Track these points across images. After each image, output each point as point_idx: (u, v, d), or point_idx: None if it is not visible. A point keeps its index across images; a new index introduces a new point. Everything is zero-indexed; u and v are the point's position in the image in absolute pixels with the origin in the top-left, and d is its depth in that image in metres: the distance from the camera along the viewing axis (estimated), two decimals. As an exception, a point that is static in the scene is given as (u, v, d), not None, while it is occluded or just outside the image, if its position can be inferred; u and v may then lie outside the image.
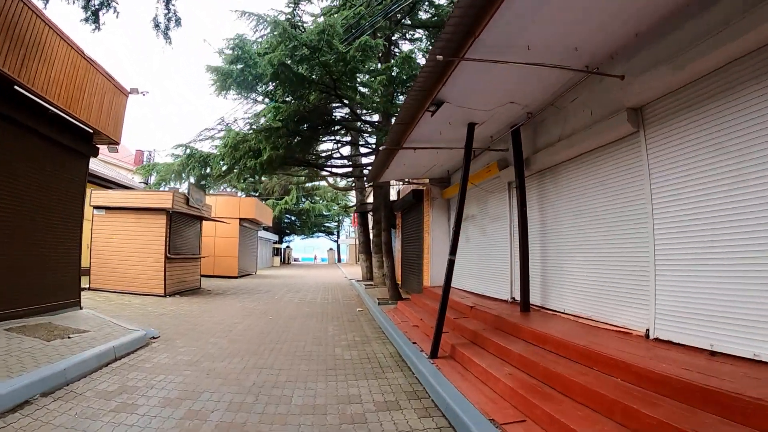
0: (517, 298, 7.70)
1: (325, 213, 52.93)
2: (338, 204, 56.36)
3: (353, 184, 22.75)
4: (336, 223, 68.71)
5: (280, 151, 12.92)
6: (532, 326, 5.75)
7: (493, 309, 7.41)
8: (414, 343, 7.30)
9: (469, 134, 6.79)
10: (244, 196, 30.86)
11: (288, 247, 61.58)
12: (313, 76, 11.19)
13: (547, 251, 7.04)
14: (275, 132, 12.23)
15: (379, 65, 13.67)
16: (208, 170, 17.03)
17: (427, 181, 12.15)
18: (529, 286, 7.04)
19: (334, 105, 14.98)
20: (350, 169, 20.54)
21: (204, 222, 22.75)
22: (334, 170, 19.00)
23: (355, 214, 56.81)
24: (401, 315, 10.20)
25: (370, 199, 21.77)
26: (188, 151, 15.79)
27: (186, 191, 15.87)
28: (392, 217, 13.19)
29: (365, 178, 11.79)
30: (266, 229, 43.32)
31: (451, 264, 6.49)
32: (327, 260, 66.06)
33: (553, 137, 6.69)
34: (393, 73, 12.11)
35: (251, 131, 13.89)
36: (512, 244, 8.33)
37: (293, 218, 56.63)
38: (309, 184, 50.61)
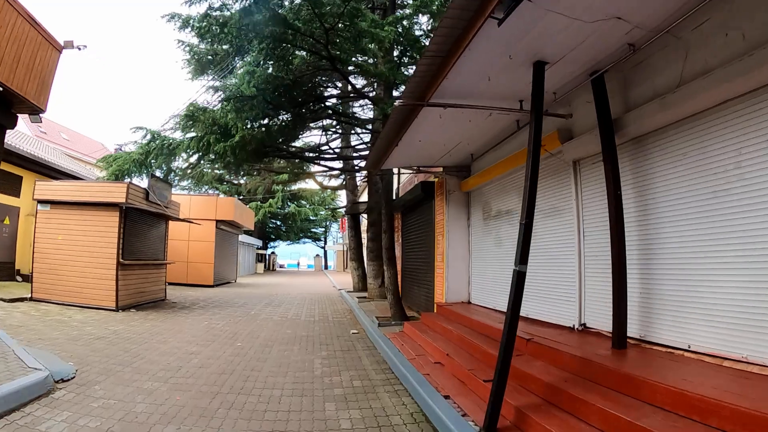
0: (590, 324, 5.39)
1: (311, 218, 50.38)
2: (326, 208, 54.05)
3: (344, 183, 20.29)
4: (323, 229, 66.55)
5: (256, 133, 10.42)
6: (662, 380, 3.34)
7: (562, 343, 4.99)
8: (446, 397, 4.84)
9: (537, 77, 4.38)
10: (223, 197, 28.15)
11: (273, 253, 58.99)
12: (298, 23, 8.65)
13: (652, 256, 4.61)
14: (249, 104, 9.70)
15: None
16: (176, 162, 14.54)
17: (440, 170, 9.74)
18: (627, 309, 4.61)
19: (323, 79, 12.51)
20: (340, 163, 18.10)
21: (174, 223, 20.34)
22: (323, 163, 16.40)
23: (344, 220, 54.78)
24: (412, 343, 7.76)
25: (364, 198, 19.34)
26: (149, 135, 13.24)
27: (147, 185, 13.32)
28: (392, 217, 10.76)
29: (363, 165, 9.26)
30: (248, 233, 40.78)
31: (521, 278, 4.11)
32: (314, 267, 63.63)
33: (663, 84, 4.31)
34: (400, 28, 9.66)
35: (219, 103, 11.36)
36: (581, 248, 5.94)
37: (278, 223, 54.19)
38: (295, 186, 48.26)
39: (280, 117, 12.61)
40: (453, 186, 9.65)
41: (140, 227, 13.45)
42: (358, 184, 20.35)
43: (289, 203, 46.00)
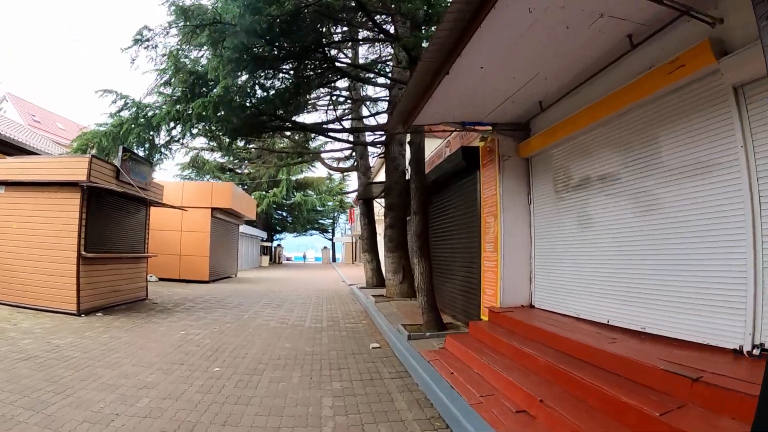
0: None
1: (319, 208, 47.97)
2: (333, 197, 51.77)
3: (354, 164, 17.82)
4: (331, 220, 64.37)
5: (241, 83, 7.97)
6: None
7: (756, 384, 2.50)
8: None
9: None
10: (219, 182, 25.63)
11: (279, 245, 56.75)
12: None
13: None
14: (230, 32, 7.17)
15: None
16: (160, 137, 12.12)
17: (480, 132, 7.27)
18: None
19: (329, 23, 10.00)
20: (350, 138, 15.62)
21: (164, 212, 18.00)
22: (332, 135, 13.84)
23: (352, 210, 52.35)
24: (464, 369, 5.31)
25: (381, 178, 16.88)
26: (121, 101, 10.83)
27: (118, 161, 10.92)
28: (425, 192, 8.20)
29: (385, 125, 6.80)
30: (252, 224, 38.51)
31: None
32: (321, 259, 61.46)
33: None
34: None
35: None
36: (756, 225, 3.52)
37: (284, 214, 51.90)
38: (301, 175, 45.93)
39: (280, 75, 10.17)
40: (508, 150, 7.17)
41: (111, 213, 11.06)
42: (371, 164, 17.85)
43: (294, 193, 43.65)
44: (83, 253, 9.71)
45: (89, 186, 9.75)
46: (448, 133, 9.60)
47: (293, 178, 43.26)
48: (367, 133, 16.11)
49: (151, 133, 11.47)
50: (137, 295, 12.25)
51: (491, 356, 5.30)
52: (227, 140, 12.62)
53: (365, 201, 16.83)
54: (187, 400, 4.65)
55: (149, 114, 11.07)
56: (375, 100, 16.25)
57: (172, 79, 9.07)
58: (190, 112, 9.52)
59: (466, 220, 8.58)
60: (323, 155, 18.43)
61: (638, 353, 4.01)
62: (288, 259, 68.57)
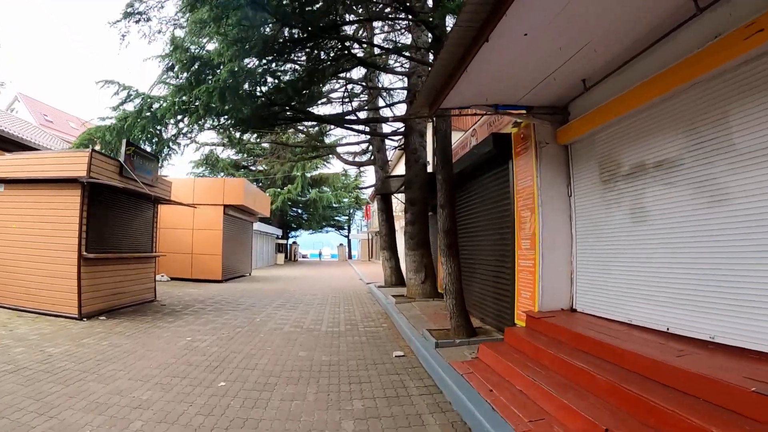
0: None
1: (334, 205, 47.36)
2: (349, 193, 51.26)
3: (371, 157, 17.10)
4: (347, 217, 63.89)
5: (249, 67, 7.30)
6: None
7: None
8: None
9: None
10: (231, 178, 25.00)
11: (294, 242, 56.26)
12: None
13: None
14: (233, 8, 6.48)
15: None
16: (169, 131, 11.53)
17: (514, 117, 6.51)
18: None
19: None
20: (366, 128, 14.88)
21: (176, 209, 17.53)
22: (349, 127, 13.09)
23: (368, 206, 51.62)
24: (504, 385, 4.58)
25: (399, 170, 16.14)
26: (124, 92, 10.22)
27: (121, 156, 10.34)
28: (453, 184, 7.41)
29: (411, 111, 6.12)
30: (266, 221, 38.02)
31: None
32: (337, 257, 60.94)
33: None
34: None
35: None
36: None
37: (299, 211, 51.42)
38: (316, 171, 45.35)
39: (291, 61, 9.50)
40: (545, 136, 6.41)
41: (115, 211, 10.51)
42: (389, 158, 17.12)
43: (309, 189, 43.10)
44: (84, 253, 9.17)
45: (90, 182, 9.19)
46: (475, 120, 8.86)
47: (308, 174, 42.71)
48: (384, 126, 15.43)
49: (158, 126, 10.87)
50: (144, 296, 11.69)
51: (536, 370, 4.57)
52: (237, 134, 12.00)
53: (383, 196, 16.13)
54: (186, 424, 4.00)
55: (154, 106, 10.48)
56: (392, 90, 15.52)
57: (175, 66, 8.40)
58: (196, 103, 8.90)
59: (496, 215, 7.83)
60: (339, 149, 17.77)
61: (716, 369, 3.28)
62: (304, 256, 68.13)
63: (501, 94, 5.83)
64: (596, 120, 5.52)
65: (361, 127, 14.84)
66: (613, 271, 5.44)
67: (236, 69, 7.00)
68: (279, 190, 39.73)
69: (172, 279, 18.41)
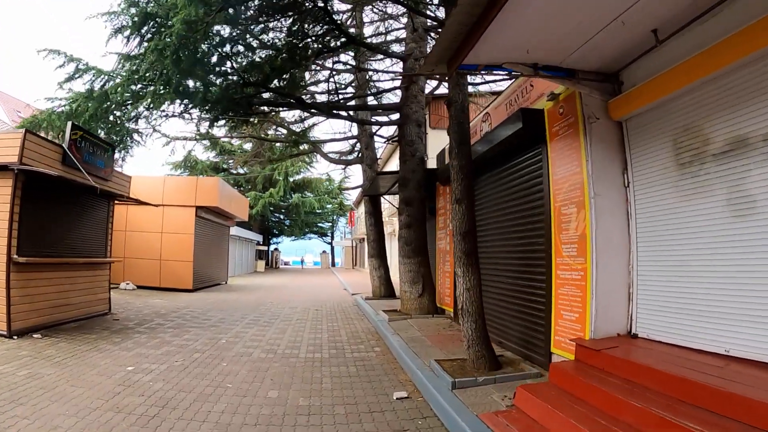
0: None
1: (317, 210, 45.65)
2: (333, 199, 49.70)
3: (359, 155, 15.51)
4: (330, 223, 62.31)
5: (210, 19, 5.72)
6: None
7: None
8: None
9: None
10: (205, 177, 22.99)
11: (276, 249, 54.47)
12: None
13: None
14: None
15: None
16: (121, 112, 9.97)
17: (558, 81, 5.00)
18: None
19: None
20: (355, 114, 13.31)
21: (144, 211, 15.84)
22: (336, 113, 11.41)
23: (352, 213, 50.05)
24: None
25: (392, 167, 14.56)
26: (71, 65, 8.58)
27: (65, 141, 8.68)
28: (472, 171, 5.73)
29: (423, 68, 4.61)
30: (246, 226, 36.27)
31: None
32: (320, 264, 59.28)
33: None
34: None
35: None
36: None
37: (281, 216, 49.69)
38: (299, 176, 43.71)
39: (269, 29, 7.95)
40: (595, 110, 4.93)
41: (58, 207, 8.86)
42: (378, 156, 15.55)
43: (291, 194, 41.37)
44: (15, 257, 7.53)
45: (23, 170, 7.53)
46: (488, 99, 7.37)
47: (291, 179, 41.05)
48: (375, 120, 13.95)
49: (112, 108, 9.27)
50: (95, 309, 10.03)
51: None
52: (207, 123, 10.43)
53: (372, 198, 14.57)
54: None
55: (109, 85, 8.89)
56: (386, 72, 13.93)
57: (125, 26, 6.81)
58: (153, 77, 7.34)
59: (521, 213, 6.32)
60: (323, 148, 16.14)
61: None
62: (286, 263, 66.36)
63: (545, 49, 4.33)
64: (674, 82, 4.05)
65: (348, 122, 13.32)
66: (696, 282, 3.96)
67: (193, 18, 5.39)
68: (260, 194, 37.99)
69: (139, 287, 16.65)
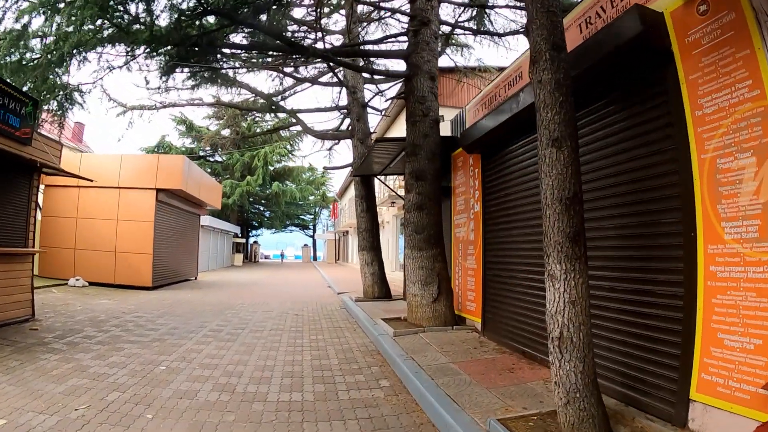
0: None
1: (299, 201, 43.13)
2: (316, 190, 47.40)
3: (349, 128, 13.09)
4: (312, 216, 60.09)
5: None
6: None
7: None
8: None
9: None
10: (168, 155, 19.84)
11: (255, 242, 51.90)
12: None
13: None
14: None
15: None
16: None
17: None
18: None
19: None
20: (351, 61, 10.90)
21: (94, 193, 13.47)
22: (328, 57, 8.84)
23: (335, 205, 47.48)
24: None
25: (399, 132, 12.15)
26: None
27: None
28: (571, 94, 3.42)
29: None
30: (223, 217, 33.80)
31: None
32: (301, 258, 56.85)
33: None
34: None
35: None
36: None
37: (261, 207, 47.18)
38: (279, 165, 41.21)
39: None
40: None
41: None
42: (372, 131, 13.16)
43: (271, 183, 38.78)
44: None
45: None
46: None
47: (271, 167, 38.56)
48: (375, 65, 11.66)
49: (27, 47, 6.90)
50: (11, 315, 7.62)
51: None
52: (160, 70, 8.07)
53: (364, 179, 12.20)
54: None
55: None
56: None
57: None
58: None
59: (628, 174, 4.03)
60: (307, 123, 13.69)
61: None
62: (267, 257, 63.91)
63: None
64: None
65: (336, 89, 10.93)
66: None
67: None
68: (237, 182, 35.44)
69: (91, 284, 14.17)
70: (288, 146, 37.33)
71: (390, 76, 8.32)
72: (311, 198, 49.58)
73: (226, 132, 39.54)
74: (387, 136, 11.57)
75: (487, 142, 6.58)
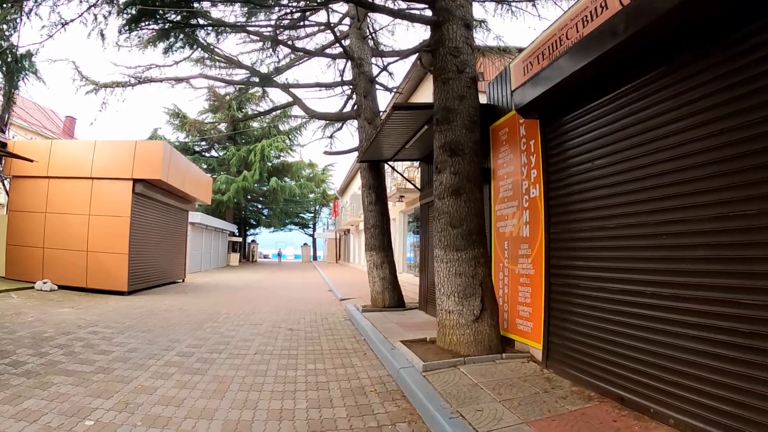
0: None
1: (297, 198, 41.18)
2: (316, 188, 45.64)
3: (354, 107, 11.19)
4: (312, 214, 58.36)
5: None
6: None
7: None
8: None
9: None
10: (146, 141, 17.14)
11: (253, 241, 50.04)
12: None
13: None
14: None
15: None
16: None
17: None
18: None
19: None
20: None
21: (65, 185, 11.88)
22: None
23: (336, 202, 45.47)
24: None
25: (425, 97, 10.21)
26: None
27: None
28: None
29: None
30: (217, 215, 32.02)
31: None
32: (301, 257, 55.12)
33: None
34: None
35: None
36: None
37: (259, 205, 45.33)
38: (278, 160, 39.36)
39: None
40: None
41: None
42: (381, 110, 11.23)
43: (268, 179, 36.84)
44: None
45: None
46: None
47: (269, 163, 36.70)
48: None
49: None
50: None
51: None
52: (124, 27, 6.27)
53: (373, 166, 10.33)
54: None
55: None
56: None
57: None
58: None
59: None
60: (302, 95, 11.75)
61: None
62: (265, 256, 62.17)
63: None
64: None
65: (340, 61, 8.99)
66: None
67: None
68: (232, 177, 33.59)
69: (61, 287, 12.38)
70: (287, 140, 35.54)
71: (414, 20, 6.43)
72: (311, 196, 47.78)
73: (219, 124, 37.79)
74: (409, 102, 9.30)
75: (556, 98, 4.75)
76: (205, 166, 35.96)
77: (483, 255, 5.49)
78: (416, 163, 13.00)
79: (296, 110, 15.50)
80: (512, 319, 5.83)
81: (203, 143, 39.04)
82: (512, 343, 5.81)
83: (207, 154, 39.38)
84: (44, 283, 12.16)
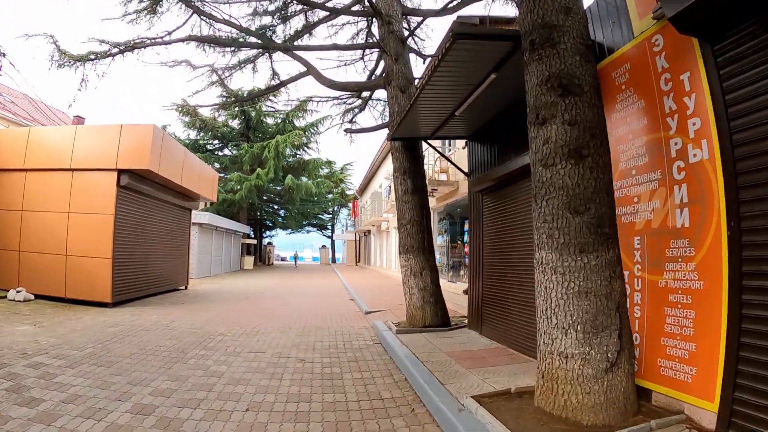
0: None
1: (314, 197, 39.02)
2: (335, 186, 43.63)
3: (383, 73, 8.97)
4: (330, 215, 56.54)
5: None
6: None
7: None
8: None
9: None
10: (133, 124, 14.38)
11: (269, 243, 48.18)
12: None
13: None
14: None
15: None
16: None
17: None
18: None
19: None
20: None
21: (42, 178, 10.15)
22: None
23: (355, 203, 43.28)
24: None
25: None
26: None
27: None
28: None
29: None
30: (232, 216, 30.16)
31: None
32: (319, 259, 53.44)
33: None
34: None
35: None
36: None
37: (275, 206, 43.41)
38: (293, 159, 37.42)
39: None
40: None
41: None
42: (416, 77, 8.98)
43: (283, 178, 34.77)
44: None
45: None
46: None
47: (284, 161, 34.72)
48: None
49: None
50: None
51: None
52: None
53: (408, 145, 8.16)
54: None
55: None
56: None
57: None
58: None
59: None
60: (316, 62, 9.52)
61: None
62: (283, 259, 60.57)
63: None
64: None
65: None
66: None
67: None
68: (245, 176, 31.68)
69: (38, 297, 10.47)
70: (303, 138, 33.64)
71: None
72: (329, 196, 45.73)
73: (235, 123, 35.92)
74: (478, 27, 6.94)
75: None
76: (217, 165, 34.21)
77: (618, 260, 3.29)
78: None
79: (311, 90, 13.28)
80: (651, 360, 3.62)
81: (215, 141, 37.33)
82: (648, 394, 3.62)
83: (219, 153, 37.69)
84: (17, 292, 10.28)
